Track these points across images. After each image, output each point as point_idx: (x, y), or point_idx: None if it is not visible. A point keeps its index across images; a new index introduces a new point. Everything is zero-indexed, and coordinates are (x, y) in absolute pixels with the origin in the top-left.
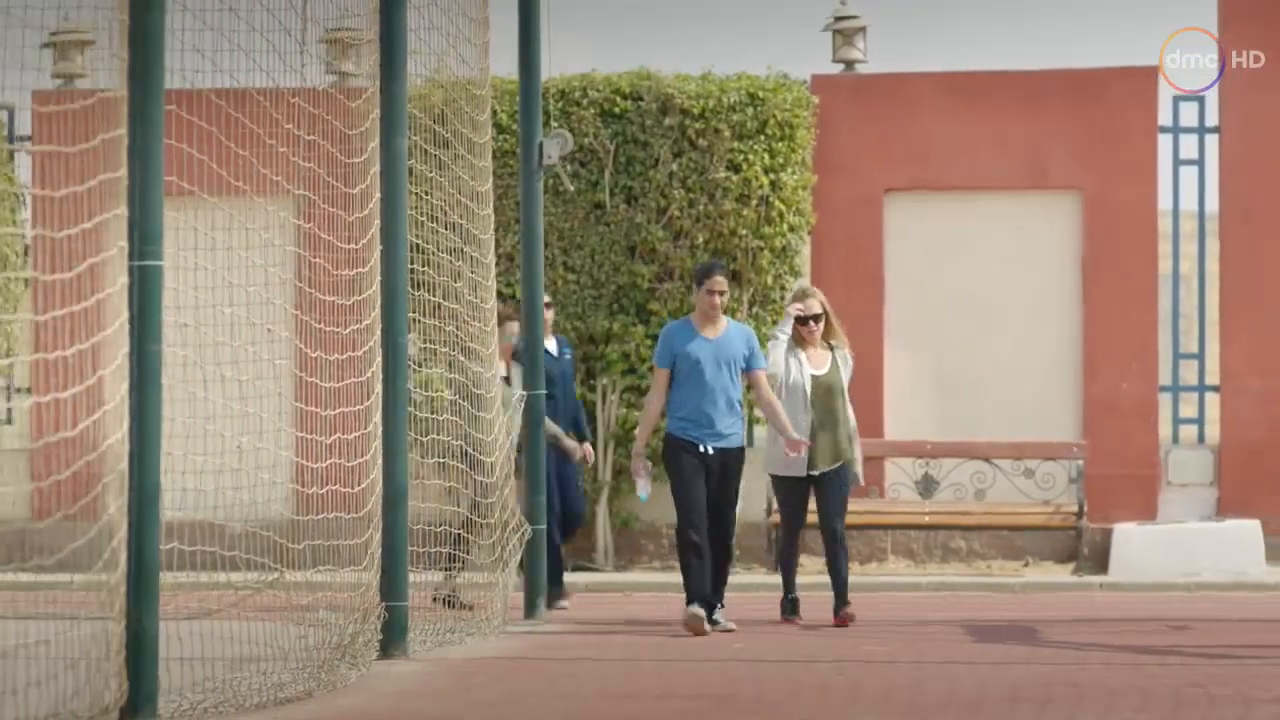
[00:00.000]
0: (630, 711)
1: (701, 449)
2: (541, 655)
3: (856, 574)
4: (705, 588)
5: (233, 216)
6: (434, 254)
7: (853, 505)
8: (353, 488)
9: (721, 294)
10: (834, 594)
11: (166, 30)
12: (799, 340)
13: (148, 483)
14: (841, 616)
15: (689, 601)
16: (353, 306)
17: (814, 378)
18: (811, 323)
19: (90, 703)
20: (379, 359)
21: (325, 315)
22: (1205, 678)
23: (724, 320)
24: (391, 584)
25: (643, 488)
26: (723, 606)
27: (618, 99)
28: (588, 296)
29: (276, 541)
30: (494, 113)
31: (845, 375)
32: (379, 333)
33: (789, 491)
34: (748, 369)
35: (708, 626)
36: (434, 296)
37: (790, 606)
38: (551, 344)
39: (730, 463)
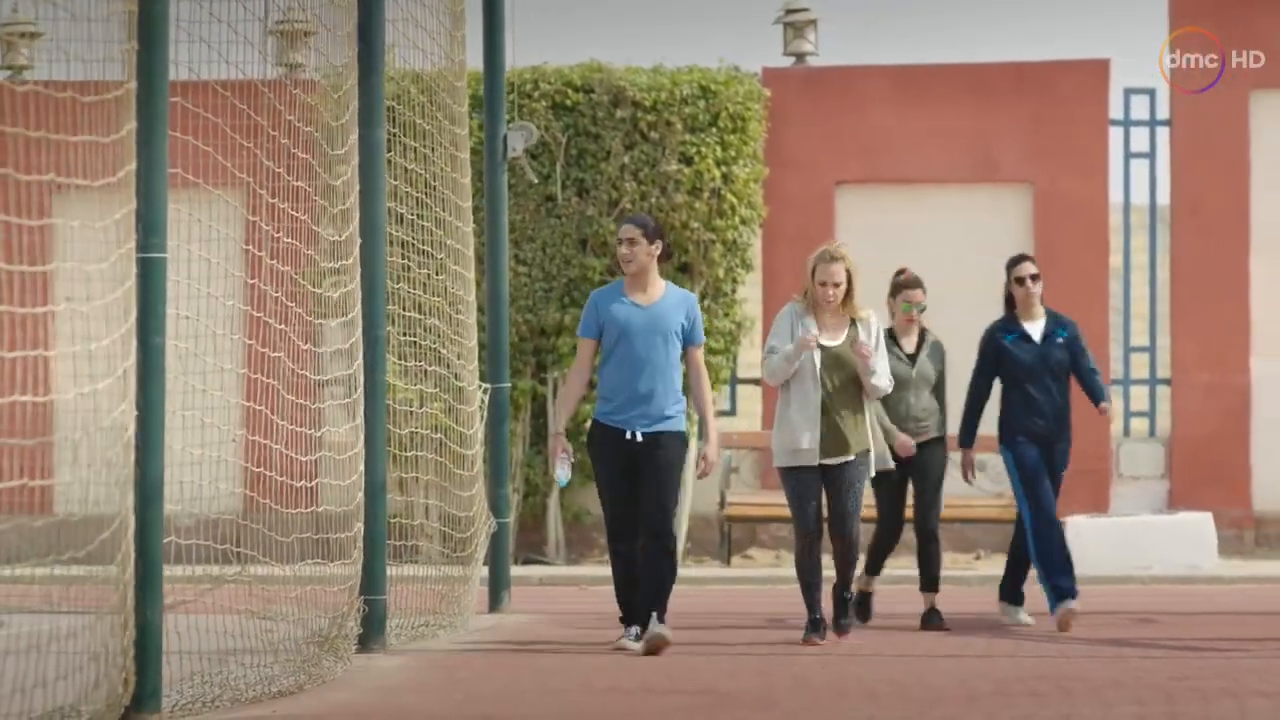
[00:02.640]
0: (624, 707)
1: (628, 435)
2: (519, 649)
3: None
4: (640, 608)
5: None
6: (415, 246)
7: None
8: (341, 480)
9: (632, 243)
10: (838, 580)
11: (171, 20)
12: (812, 306)
13: (151, 477)
14: (841, 629)
15: (625, 623)
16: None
17: (824, 349)
18: (832, 290)
19: (106, 696)
20: (360, 353)
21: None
22: (1191, 671)
23: (660, 284)
24: (370, 578)
25: (561, 471)
26: (662, 622)
27: (569, 91)
28: (539, 289)
29: (266, 535)
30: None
31: (883, 382)
32: (359, 327)
33: (798, 487)
34: (685, 344)
35: (635, 645)
36: (414, 290)
37: (814, 628)
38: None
39: (664, 451)
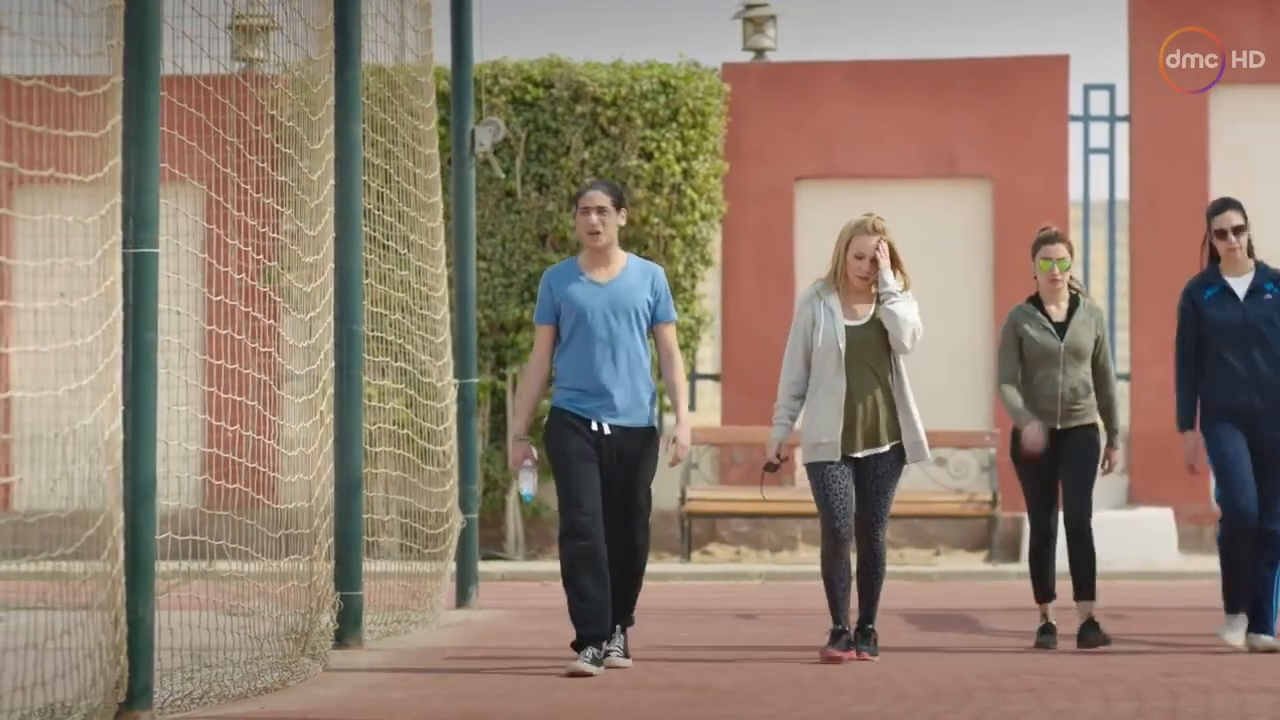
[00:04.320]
0: (618, 702)
1: (594, 427)
2: (495, 645)
3: (767, 562)
4: (600, 622)
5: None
6: (383, 241)
7: (765, 494)
8: (310, 476)
9: (601, 211)
10: (861, 609)
11: (162, 15)
12: (840, 283)
13: (143, 473)
14: (860, 652)
15: (578, 644)
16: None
17: (849, 329)
18: (868, 264)
19: (102, 693)
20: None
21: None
22: (1177, 666)
23: (620, 256)
24: (346, 573)
25: (526, 482)
26: (625, 633)
27: (529, 87)
28: (498, 285)
29: (236, 530)
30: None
31: (909, 309)
32: (331, 320)
33: (822, 482)
34: (653, 322)
35: (594, 670)
36: (383, 285)
37: (836, 639)
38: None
39: (635, 447)
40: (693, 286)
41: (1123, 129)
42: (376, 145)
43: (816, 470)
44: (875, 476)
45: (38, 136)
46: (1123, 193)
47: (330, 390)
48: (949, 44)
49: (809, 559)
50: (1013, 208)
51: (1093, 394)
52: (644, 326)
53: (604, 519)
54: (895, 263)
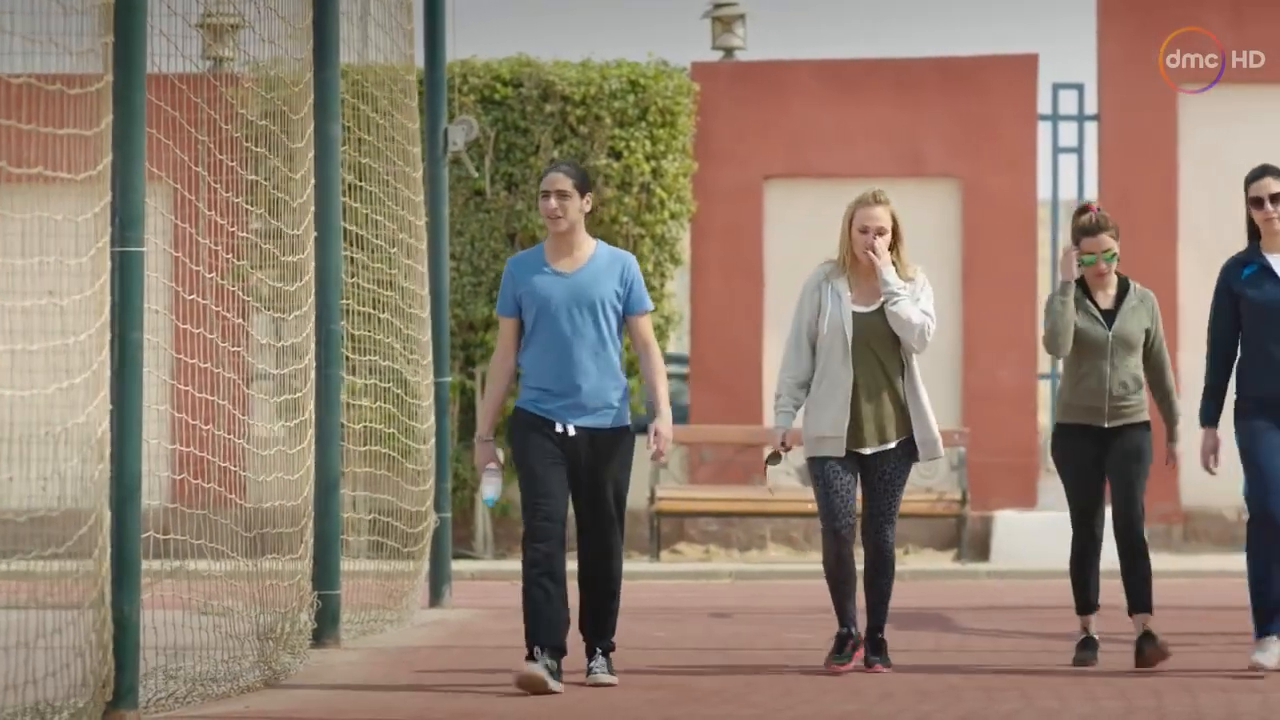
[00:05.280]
0: (604, 700)
1: (559, 429)
2: (472, 644)
3: (736, 561)
4: (555, 632)
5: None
6: (372, 240)
7: (732, 494)
8: (291, 475)
9: (562, 195)
10: (869, 614)
11: (147, 14)
12: (849, 265)
13: (129, 471)
14: (871, 664)
15: (529, 650)
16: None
17: (857, 316)
18: (875, 236)
19: (92, 693)
20: (313, 346)
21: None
22: (1162, 665)
23: (588, 244)
24: (324, 572)
25: (489, 485)
26: (607, 655)
27: (498, 85)
28: (467, 284)
29: (224, 527)
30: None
31: (913, 310)
32: (313, 320)
33: (824, 479)
34: (626, 313)
35: (555, 684)
36: (368, 284)
37: (842, 645)
38: None
39: (605, 449)
40: (661, 286)
41: (1091, 128)
42: (363, 144)
43: (818, 466)
44: (882, 473)
45: (26, 135)
46: (1091, 192)
47: (313, 389)
48: (918, 43)
49: (778, 558)
50: (981, 207)
51: (1144, 389)
52: (613, 320)
53: (582, 525)
54: (896, 240)
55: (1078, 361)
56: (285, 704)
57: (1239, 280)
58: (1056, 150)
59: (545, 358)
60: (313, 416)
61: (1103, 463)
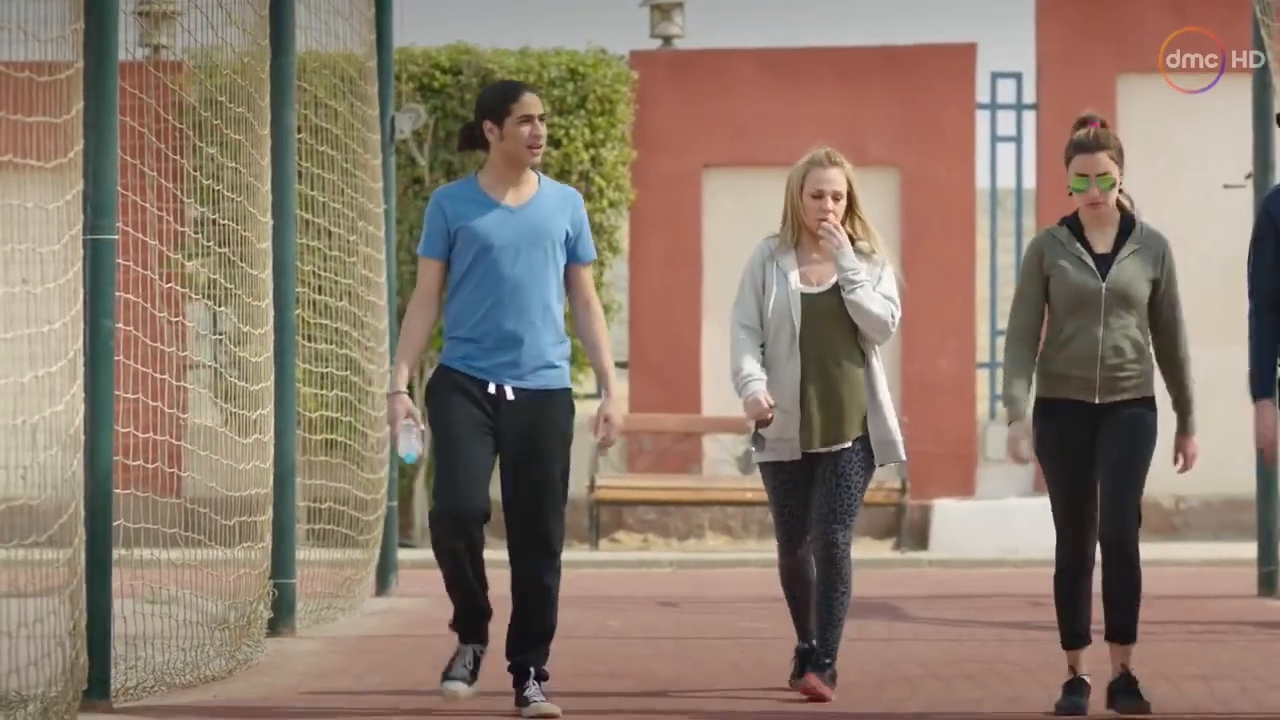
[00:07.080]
0: (564, 692)
1: (492, 390)
2: (427, 633)
3: (675, 550)
4: (477, 630)
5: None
6: (329, 228)
7: (671, 482)
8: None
9: (541, 119)
10: (817, 638)
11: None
12: (796, 238)
13: (101, 460)
14: (804, 686)
15: (449, 666)
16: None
17: (806, 298)
18: (829, 201)
19: (71, 683)
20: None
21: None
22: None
23: (532, 177)
24: (280, 561)
25: (406, 444)
26: (542, 680)
27: (436, 73)
28: (406, 272)
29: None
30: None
31: (874, 298)
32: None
33: (776, 487)
34: (571, 260)
35: (467, 691)
36: (324, 271)
37: (803, 662)
38: None
39: (547, 415)
40: (600, 275)
41: (1030, 116)
42: (320, 132)
43: (769, 476)
44: (835, 473)
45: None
46: (1030, 181)
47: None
48: (858, 32)
49: (716, 547)
50: (920, 196)
51: (1146, 358)
52: (560, 264)
53: (513, 510)
54: (853, 205)
55: (1063, 319)
56: (251, 692)
57: (1275, 216)
58: (995, 139)
59: (480, 305)
60: (271, 406)
61: (1092, 451)
